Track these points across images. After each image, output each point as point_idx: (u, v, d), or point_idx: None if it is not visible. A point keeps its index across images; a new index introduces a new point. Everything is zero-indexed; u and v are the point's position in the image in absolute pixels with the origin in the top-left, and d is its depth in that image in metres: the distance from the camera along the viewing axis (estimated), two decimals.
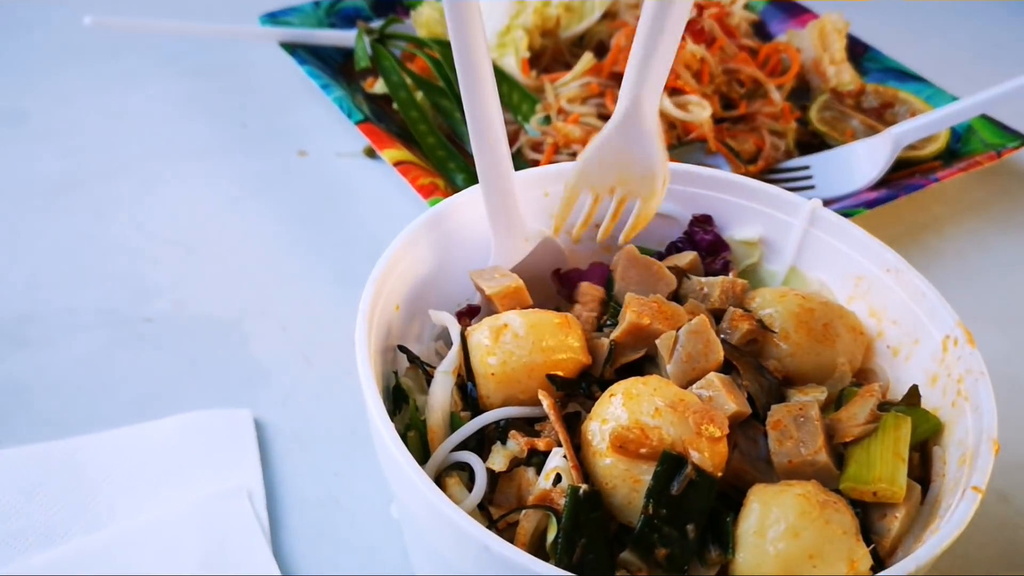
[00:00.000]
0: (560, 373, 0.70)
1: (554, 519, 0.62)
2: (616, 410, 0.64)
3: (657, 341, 0.70)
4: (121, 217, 1.25)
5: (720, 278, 0.78)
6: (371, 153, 1.37)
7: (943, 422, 0.69)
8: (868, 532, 0.63)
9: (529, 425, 0.70)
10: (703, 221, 0.85)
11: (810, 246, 0.82)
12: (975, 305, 1.17)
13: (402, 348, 0.76)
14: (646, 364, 0.72)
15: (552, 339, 0.70)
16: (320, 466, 0.94)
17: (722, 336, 0.73)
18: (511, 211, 0.78)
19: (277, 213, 1.27)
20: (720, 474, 0.63)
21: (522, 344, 0.70)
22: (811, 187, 1.27)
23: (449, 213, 0.81)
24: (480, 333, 0.71)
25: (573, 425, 0.68)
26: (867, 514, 0.64)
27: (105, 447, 0.93)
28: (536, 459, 0.67)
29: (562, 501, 0.62)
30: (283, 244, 1.22)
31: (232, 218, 1.26)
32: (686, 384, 0.68)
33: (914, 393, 0.71)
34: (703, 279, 0.79)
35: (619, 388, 0.65)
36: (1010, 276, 1.23)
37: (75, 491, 0.89)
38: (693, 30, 1.35)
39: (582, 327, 0.74)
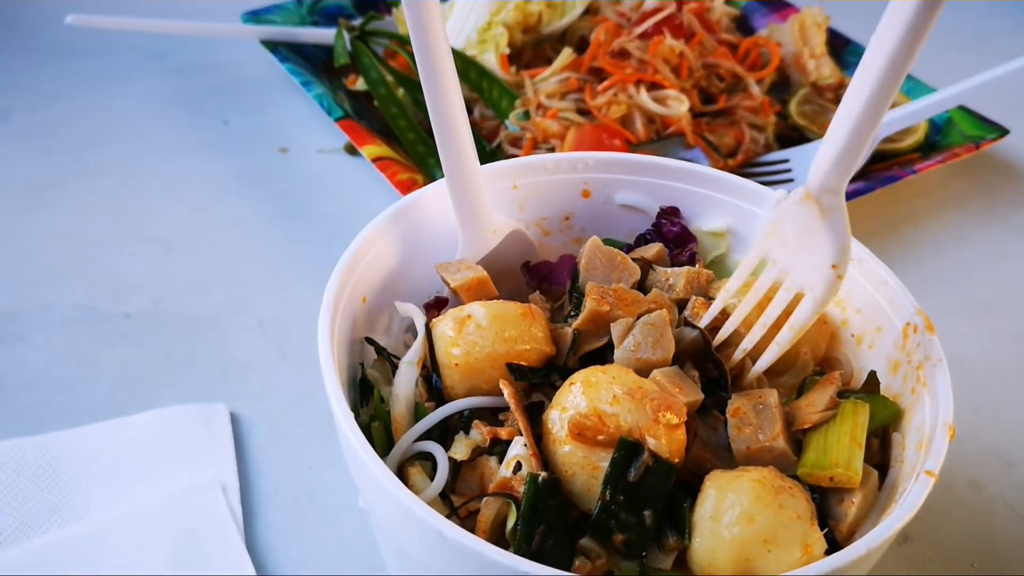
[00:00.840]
0: (524, 363, 0.70)
1: (514, 506, 0.62)
2: (575, 398, 0.64)
3: (612, 325, 0.70)
4: (102, 214, 1.26)
5: (685, 269, 0.78)
6: (352, 150, 1.37)
7: (902, 408, 0.69)
8: (826, 517, 0.64)
9: (494, 415, 0.70)
10: (670, 213, 0.85)
11: None
12: (953, 297, 1.18)
13: (369, 340, 0.76)
14: (609, 352, 0.72)
15: (515, 329, 0.70)
16: (294, 460, 0.95)
17: (685, 325, 0.73)
18: (477, 203, 0.78)
19: (258, 209, 1.28)
20: (679, 461, 0.63)
21: (485, 335, 0.70)
22: (790, 180, 1.28)
23: (417, 206, 0.81)
24: (444, 324, 0.72)
25: (537, 415, 0.68)
26: (825, 499, 0.64)
27: (81, 442, 0.94)
28: (499, 448, 0.68)
29: (522, 489, 0.62)
30: (263, 240, 1.23)
31: (212, 215, 1.27)
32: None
33: (873, 380, 0.71)
34: (669, 270, 0.79)
35: (579, 377, 0.66)
36: (988, 268, 1.23)
37: (51, 485, 0.90)
38: (672, 25, 1.35)
39: (546, 317, 0.74)
